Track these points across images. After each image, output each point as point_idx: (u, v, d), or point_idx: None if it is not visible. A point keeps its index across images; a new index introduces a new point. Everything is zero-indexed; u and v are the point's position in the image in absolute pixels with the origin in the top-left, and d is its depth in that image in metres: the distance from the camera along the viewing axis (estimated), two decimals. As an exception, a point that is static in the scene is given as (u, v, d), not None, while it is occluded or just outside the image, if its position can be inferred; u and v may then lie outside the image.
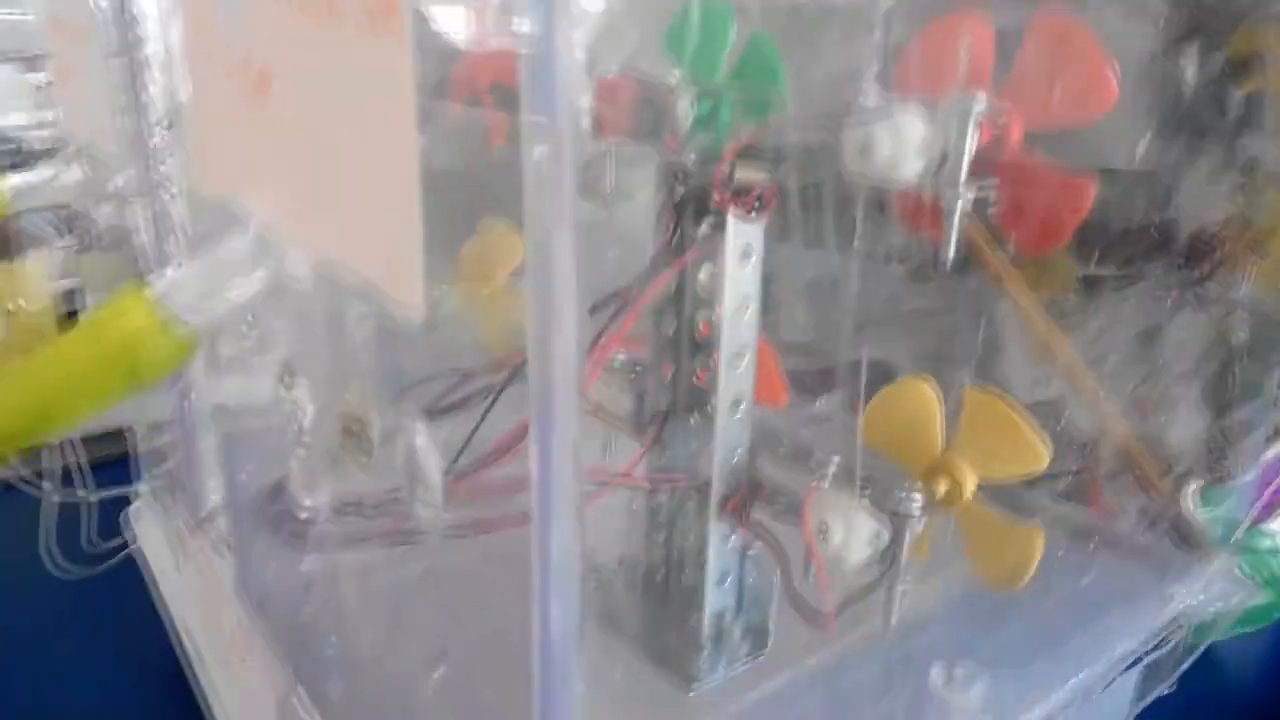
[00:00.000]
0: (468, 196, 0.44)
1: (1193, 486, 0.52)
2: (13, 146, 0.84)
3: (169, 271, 0.32)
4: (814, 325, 0.69)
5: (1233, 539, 0.51)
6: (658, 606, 0.44)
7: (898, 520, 0.36)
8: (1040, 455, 0.39)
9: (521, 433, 0.35)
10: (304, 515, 0.42)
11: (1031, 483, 0.45)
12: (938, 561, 0.39)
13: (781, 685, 0.41)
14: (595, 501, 0.40)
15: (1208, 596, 0.46)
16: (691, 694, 0.40)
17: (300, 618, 0.46)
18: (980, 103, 0.32)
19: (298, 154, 0.33)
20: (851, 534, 0.36)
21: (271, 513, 0.45)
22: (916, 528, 0.37)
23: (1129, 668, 0.44)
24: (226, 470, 0.51)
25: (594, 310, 0.38)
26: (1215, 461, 0.52)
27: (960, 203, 0.32)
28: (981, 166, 0.34)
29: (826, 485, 0.37)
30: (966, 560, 0.39)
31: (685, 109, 0.38)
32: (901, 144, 0.32)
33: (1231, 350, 0.58)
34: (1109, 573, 0.48)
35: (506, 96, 0.29)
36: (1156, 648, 0.46)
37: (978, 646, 0.43)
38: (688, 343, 0.40)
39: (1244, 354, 0.55)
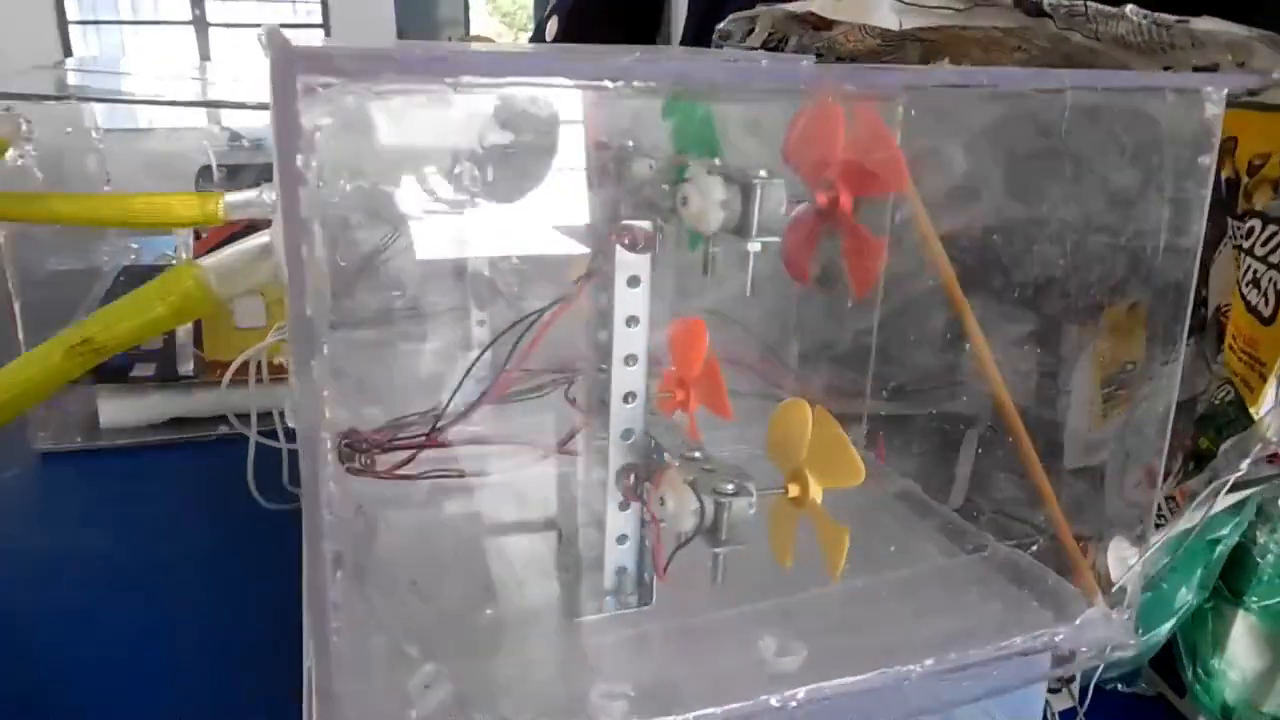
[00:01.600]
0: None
1: (1116, 542, 0.56)
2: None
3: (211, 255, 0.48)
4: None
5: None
6: (576, 559, 0.55)
7: (718, 501, 0.45)
8: (857, 470, 0.47)
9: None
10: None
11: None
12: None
13: (650, 629, 0.51)
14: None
15: (1073, 637, 0.50)
16: (576, 620, 0.51)
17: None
18: (761, 176, 0.41)
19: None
20: (680, 506, 0.46)
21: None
22: (741, 512, 0.46)
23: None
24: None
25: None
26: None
27: (752, 250, 0.42)
28: (822, 221, 0.44)
29: (675, 467, 0.47)
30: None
31: (643, 169, 0.49)
32: (707, 201, 0.42)
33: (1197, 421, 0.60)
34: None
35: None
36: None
37: (837, 629, 0.50)
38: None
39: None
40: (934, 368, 0.99)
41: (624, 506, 0.51)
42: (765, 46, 0.92)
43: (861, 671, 0.46)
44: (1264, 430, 0.50)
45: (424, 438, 0.54)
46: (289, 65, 0.29)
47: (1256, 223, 0.52)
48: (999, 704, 0.54)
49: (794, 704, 0.44)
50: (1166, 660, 0.76)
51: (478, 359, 0.53)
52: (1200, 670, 0.73)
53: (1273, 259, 0.50)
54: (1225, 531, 0.72)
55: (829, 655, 0.48)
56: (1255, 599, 0.74)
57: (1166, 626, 0.72)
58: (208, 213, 0.74)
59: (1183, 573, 0.72)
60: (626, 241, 0.47)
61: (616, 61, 0.36)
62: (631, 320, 0.48)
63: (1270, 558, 0.72)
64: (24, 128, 0.98)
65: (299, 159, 0.30)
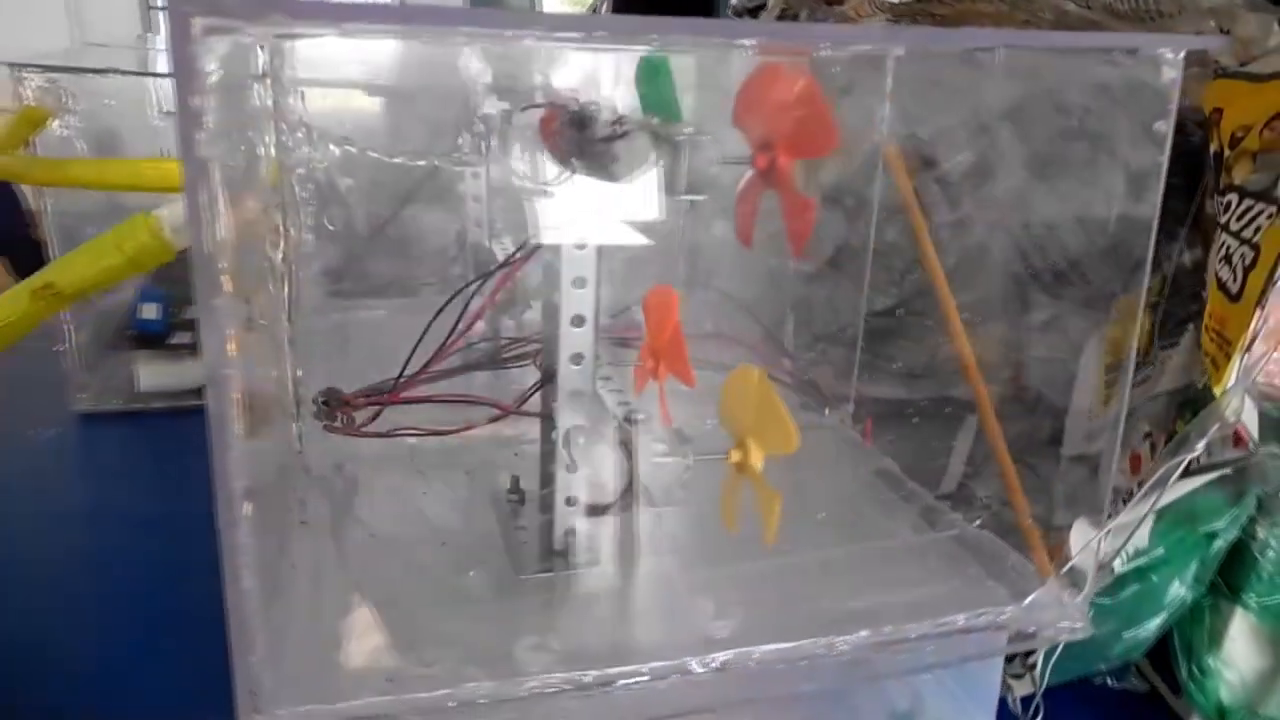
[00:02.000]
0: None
1: (1079, 524, 0.55)
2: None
3: (166, 206, 0.50)
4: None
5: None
6: (532, 519, 0.56)
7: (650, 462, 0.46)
8: (790, 439, 0.47)
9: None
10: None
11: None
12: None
13: (591, 589, 0.51)
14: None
15: (1020, 617, 0.49)
16: (521, 577, 0.52)
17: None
18: (687, 134, 0.41)
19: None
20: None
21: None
22: (675, 474, 0.46)
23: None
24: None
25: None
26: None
27: (685, 204, 0.42)
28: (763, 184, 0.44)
29: (612, 429, 0.48)
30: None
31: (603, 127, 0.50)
32: (634, 160, 0.42)
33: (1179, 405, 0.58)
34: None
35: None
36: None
37: (782, 598, 0.50)
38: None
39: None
40: (938, 353, 0.98)
41: (572, 469, 0.52)
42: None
43: (793, 639, 0.46)
44: (1223, 408, 0.48)
45: (385, 396, 0.56)
46: (182, 6, 0.31)
47: (1234, 197, 0.50)
48: (957, 682, 0.54)
49: (715, 666, 0.44)
50: (1162, 656, 0.73)
51: (430, 324, 0.54)
52: (1195, 668, 0.71)
53: (1245, 234, 0.48)
54: (1222, 525, 0.69)
55: (765, 622, 0.48)
56: (1254, 597, 0.71)
57: (1157, 621, 0.69)
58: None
59: (1175, 566, 0.70)
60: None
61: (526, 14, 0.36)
62: (578, 281, 0.49)
63: (1270, 554, 0.70)
64: (67, 101, 1.02)
65: (195, 100, 0.32)
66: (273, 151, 0.57)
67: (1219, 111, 0.52)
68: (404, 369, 0.55)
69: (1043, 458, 0.72)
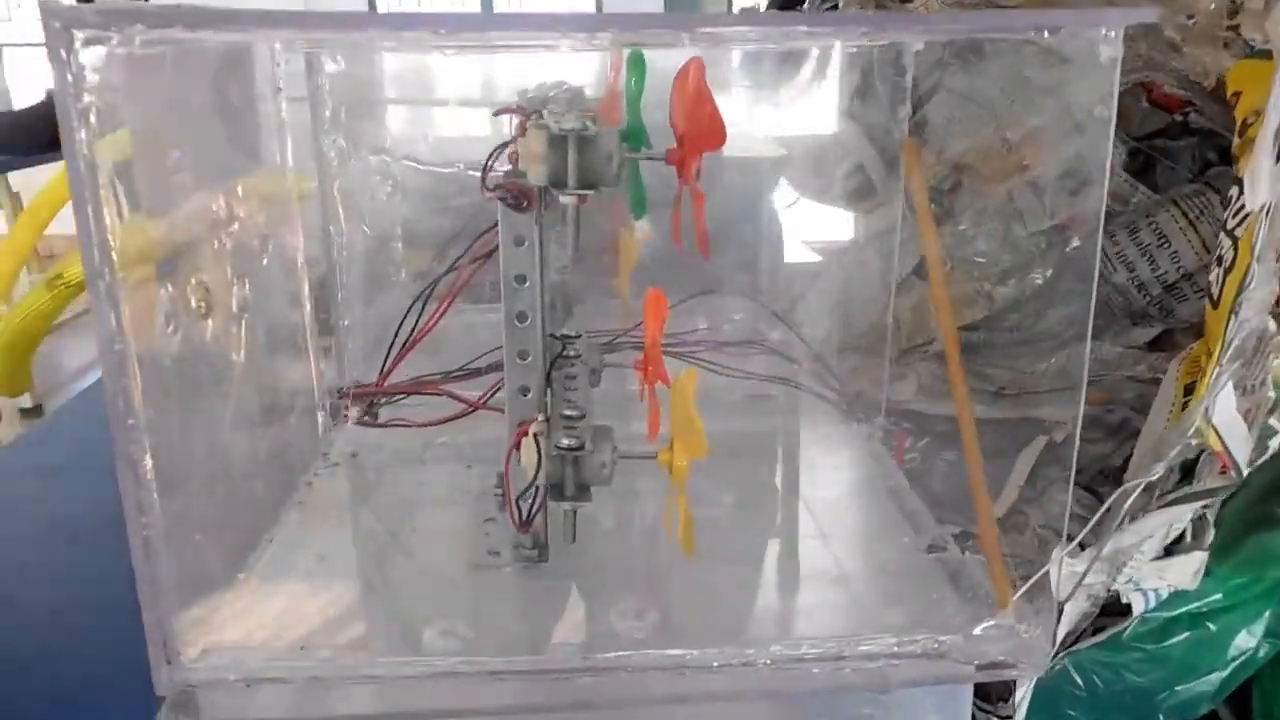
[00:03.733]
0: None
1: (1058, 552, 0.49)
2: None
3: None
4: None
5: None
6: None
7: (561, 455, 0.46)
8: (699, 444, 0.46)
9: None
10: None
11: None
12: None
13: (529, 583, 0.52)
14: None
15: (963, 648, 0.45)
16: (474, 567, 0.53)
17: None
18: (580, 128, 0.41)
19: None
20: (527, 460, 0.47)
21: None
22: (594, 471, 0.47)
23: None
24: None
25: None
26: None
27: (565, 203, 0.42)
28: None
29: (535, 422, 0.48)
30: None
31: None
32: (528, 154, 0.43)
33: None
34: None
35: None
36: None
37: (716, 604, 0.49)
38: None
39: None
40: (1018, 369, 0.91)
41: (516, 460, 0.53)
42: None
43: (701, 647, 0.45)
44: (1184, 428, 0.42)
45: (373, 387, 0.59)
46: (59, 16, 0.35)
47: (1235, 190, 0.44)
48: (932, 704, 0.50)
49: (606, 663, 0.43)
50: (1243, 714, 0.65)
51: (405, 317, 0.56)
52: (1277, 732, 0.62)
53: (1237, 232, 0.43)
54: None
55: (683, 627, 0.47)
56: (1340, 658, 0.62)
57: (1220, 675, 0.61)
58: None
59: (1239, 614, 0.61)
60: (509, 199, 0.48)
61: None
62: (520, 279, 0.50)
63: (1357, 609, 0.60)
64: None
65: (74, 102, 0.36)
66: (290, 161, 0.61)
67: (1238, 95, 0.47)
68: (385, 363, 0.58)
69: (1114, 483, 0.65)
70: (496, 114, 0.56)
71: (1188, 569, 0.59)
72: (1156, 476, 0.42)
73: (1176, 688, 0.61)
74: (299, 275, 0.64)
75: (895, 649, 0.45)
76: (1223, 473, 0.44)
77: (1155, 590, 0.57)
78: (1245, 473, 0.43)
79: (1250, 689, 0.65)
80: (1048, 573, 0.46)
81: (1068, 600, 0.47)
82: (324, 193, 0.68)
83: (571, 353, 0.60)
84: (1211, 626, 0.61)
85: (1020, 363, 0.91)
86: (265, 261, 0.58)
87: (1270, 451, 0.59)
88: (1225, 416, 0.42)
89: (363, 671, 0.44)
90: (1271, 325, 0.51)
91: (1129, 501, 0.43)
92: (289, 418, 0.63)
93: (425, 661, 0.44)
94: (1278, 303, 0.52)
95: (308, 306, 0.65)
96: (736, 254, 0.85)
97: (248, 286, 0.54)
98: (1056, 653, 0.55)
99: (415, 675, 0.44)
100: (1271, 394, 0.46)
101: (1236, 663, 0.61)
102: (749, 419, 0.73)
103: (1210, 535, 0.63)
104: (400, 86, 0.74)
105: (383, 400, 0.64)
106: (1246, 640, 0.61)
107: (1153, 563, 0.56)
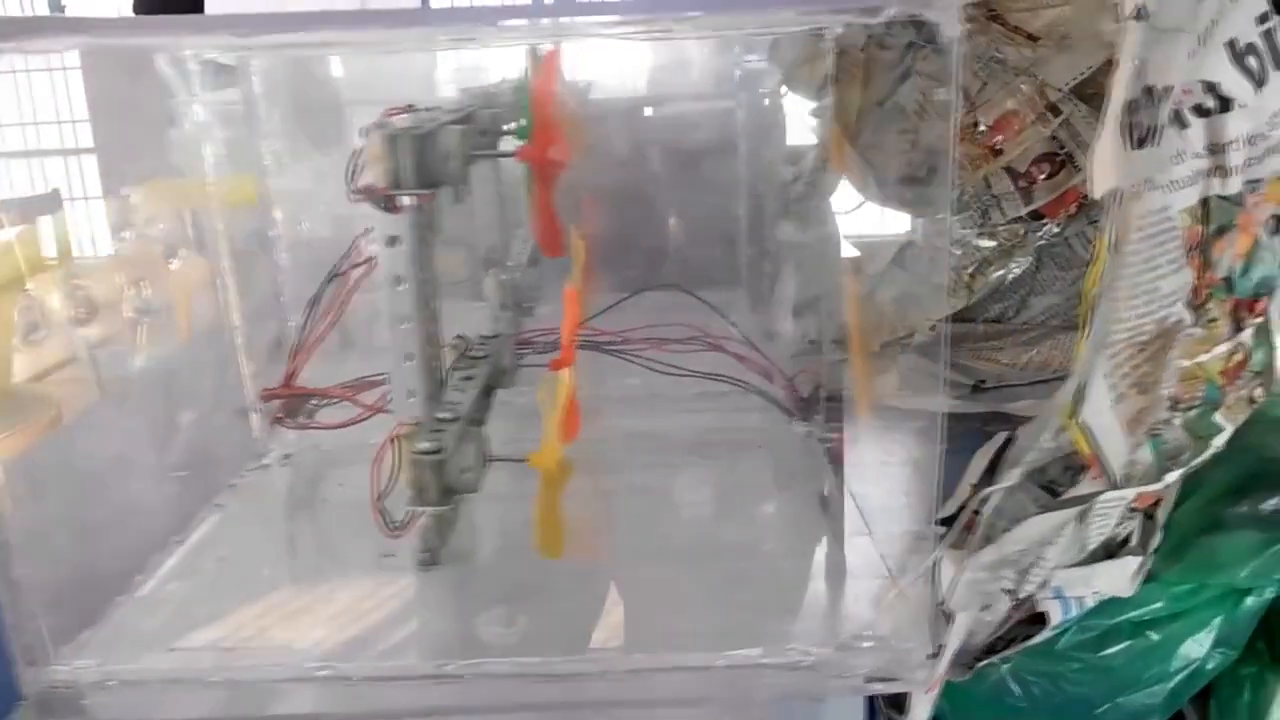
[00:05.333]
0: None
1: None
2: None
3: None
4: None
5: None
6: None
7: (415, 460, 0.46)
8: (550, 451, 0.45)
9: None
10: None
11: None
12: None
13: (418, 585, 0.51)
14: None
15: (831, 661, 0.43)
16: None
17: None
18: (405, 128, 0.40)
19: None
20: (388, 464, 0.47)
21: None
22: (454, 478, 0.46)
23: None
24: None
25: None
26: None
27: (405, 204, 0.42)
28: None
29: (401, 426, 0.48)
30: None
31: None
32: (371, 155, 0.42)
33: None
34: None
35: None
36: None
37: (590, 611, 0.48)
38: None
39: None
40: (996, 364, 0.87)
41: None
42: None
43: (558, 655, 0.44)
44: (1037, 434, 0.39)
45: (279, 389, 0.59)
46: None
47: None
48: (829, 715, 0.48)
49: (449, 670, 0.43)
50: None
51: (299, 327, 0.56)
52: (1233, 746, 0.59)
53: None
54: (1246, 575, 0.57)
55: (553, 634, 0.46)
56: (1299, 670, 0.58)
57: (1167, 686, 0.58)
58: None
59: (1185, 622, 0.58)
60: (380, 202, 0.48)
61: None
62: (397, 280, 0.49)
63: (1318, 620, 0.56)
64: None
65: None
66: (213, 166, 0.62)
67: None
68: (294, 364, 0.58)
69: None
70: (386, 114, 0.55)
71: (1121, 575, 0.56)
72: (1013, 483, 0.40)
73: (1118, 699, 0.58)
74: (222, 278, 0.64)
75: (762, 660, 0.43)
76: (1095, 477, 0.41)
77: (1079, 598, 0.54)
78: (1117, 476, 0.40)
79: (1206, 702, 0.61)
80: (927, 583, 0.44)
81: (959, 609, 0.45)
82: (261, 194, 0.68)
83: (478, 354, 0.60)
84: (1154, 635, 0.57)
85: (1003, 355, 0.88)
86: (175, 265, 0.59)
87: (1213, 449, 0.55)
88: (1098, 418, 0.39)
89: (223, 674, 0.44)
90: (1187, 317, 0.48)
91: (987, 508, 0.40)
92: (211, 420, 0.63)
93: (283, 665, 0.44)
94: (1196, 294, 0.49)
95: (234, 308, 0.65)
96: (695, 250, 0.84)
97: (149, 291, 0.55)
98: (974, 662, 0.52)
99: (272, 679, 0.44)
100: (1165, 392, 0.43)
101: (1184, 674, 0.58)
102: (692, 418, 0.72)
103: (1157, 539, 0.60)
104: (337, 88, 0.74)
105: (320, 402, 0.65)
106: (1194, 650, 0.57)
107: (1074, 569, 0.53)
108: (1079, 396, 0.38)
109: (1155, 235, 0.44)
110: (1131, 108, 0.36)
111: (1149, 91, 0.37)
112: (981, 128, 0.83)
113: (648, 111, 0.89)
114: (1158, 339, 0.46)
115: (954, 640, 0.45)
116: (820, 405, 0.71)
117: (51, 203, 0.70)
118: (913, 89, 0.87)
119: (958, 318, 0.91)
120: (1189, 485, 0.63)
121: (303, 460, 0.67)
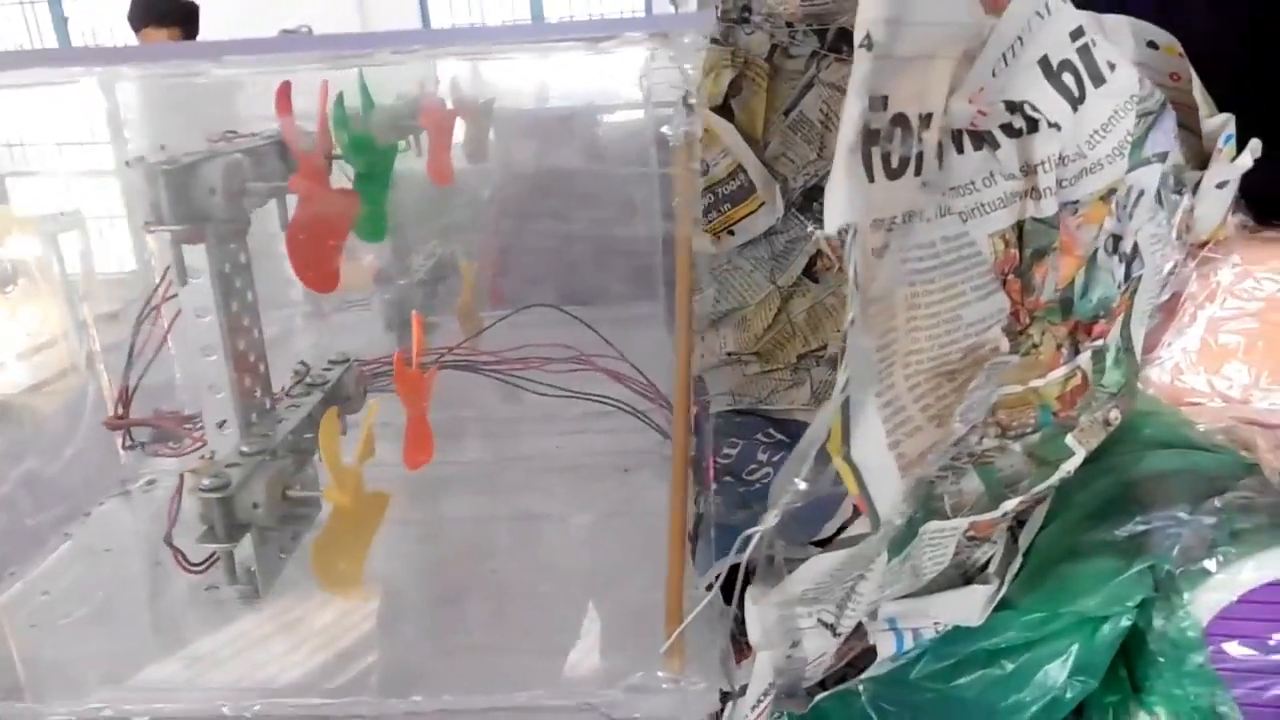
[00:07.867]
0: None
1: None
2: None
3: None
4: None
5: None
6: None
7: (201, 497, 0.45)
8: (351, 485, 0.44)
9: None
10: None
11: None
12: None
13: (244, 615, 0.50)
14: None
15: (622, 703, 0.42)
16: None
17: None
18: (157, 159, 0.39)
19: None
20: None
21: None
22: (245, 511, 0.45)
23: None
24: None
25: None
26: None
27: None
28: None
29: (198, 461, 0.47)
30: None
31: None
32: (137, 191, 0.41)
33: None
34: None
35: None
36: None
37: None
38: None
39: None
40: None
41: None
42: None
43: (351, 695, 0.43)
44: (792, 471, 0.38)
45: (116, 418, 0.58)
46: None
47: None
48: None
49: (256, 711, 0.42)
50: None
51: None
52: (1100, 777, 0.57)
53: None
54: (1097, 604, 0.55)
55: (354, 672, 0.45)
56: (1158, 700, 0.56)
57: (1024, 716, 0.56)
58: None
59: (1040, 650, 0.56)
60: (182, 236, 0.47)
61: None
62: (201, 311, 0.48)
63: (1167, 647, 0.54)
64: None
65: None
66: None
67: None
68: (121, 394, 0.57)
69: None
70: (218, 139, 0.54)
71: (966, 604, 0.54)
72: (770, 525, 0.38)
73: (976, 729, 0.56)
74: (74, 302, 0.63)
75: (544, 702, 0.42)
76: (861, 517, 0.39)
77: (916, 629, 0.52)
78: (881, 519, 0.38)
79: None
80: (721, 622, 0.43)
81: (761, 648, 0.43)
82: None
83: (317, 380, 0.59)
84: (1009, 664, 0.56)
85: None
86: (11, 290, 0.58)
87: (1062, 474, 0.53)
88: (872, 458, 0.37)
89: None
90: (1003, 344, 0.46)
91: (749, 549, 0.38)
92: (64, 448, 0.62)
93: (76, 707, 0.43)
94: (1016, 319, 0.48)
95: (91, 331, 0.64)
96: (610, 266, 0.83)
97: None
98: (810, 695, 0.51)
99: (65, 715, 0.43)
100: (956, 425, 0.41)
101: (1042, 703, 0.56)
102: (574, 439, 0.70)
103: (1015, 566, 0.58)
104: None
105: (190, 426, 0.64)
106: (1051, 678, 0.56)
107: (910, 600, 0.52)
108: (846, 432, 0.37)
109: (953, 263, 0.43)
110: (874, 138, 0.34)
111: (900, 120, 0.35)
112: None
113: (552, 125, 0.88)
114: (969, 368, 0.44)
115: (758, 680, 0.44)
116: (707, 424, 0.70)
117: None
118: (817, 99, 0.86)
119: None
120: (1053, 509, 0.61)
121: (166, 485, 0.66)
